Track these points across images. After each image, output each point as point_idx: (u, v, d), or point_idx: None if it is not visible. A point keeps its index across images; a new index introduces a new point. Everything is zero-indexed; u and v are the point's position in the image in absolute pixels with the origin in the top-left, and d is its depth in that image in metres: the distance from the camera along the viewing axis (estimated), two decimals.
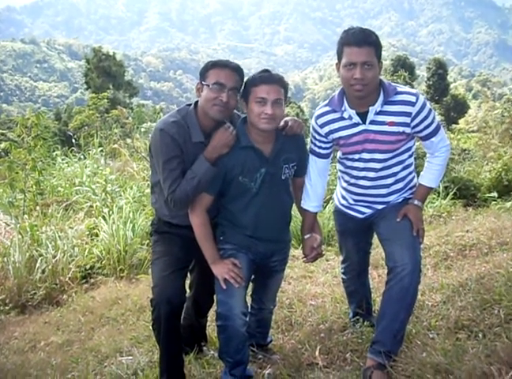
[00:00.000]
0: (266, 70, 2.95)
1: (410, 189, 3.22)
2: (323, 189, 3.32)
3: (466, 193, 9.87)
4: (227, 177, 2.99)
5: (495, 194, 9.35)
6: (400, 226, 3.05)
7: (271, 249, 3.17)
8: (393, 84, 3.06)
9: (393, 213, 3.11)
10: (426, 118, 2.98)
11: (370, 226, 3.31)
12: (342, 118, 3.06)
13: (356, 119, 3.01)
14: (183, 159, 2.97)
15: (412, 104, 2.94)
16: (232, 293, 2.94)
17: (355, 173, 3.19)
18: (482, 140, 15.58)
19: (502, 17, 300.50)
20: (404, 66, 33.47)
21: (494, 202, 8.83)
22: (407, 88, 3.09)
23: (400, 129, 2.97)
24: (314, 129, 3.18)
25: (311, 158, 3.23)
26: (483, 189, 10.11)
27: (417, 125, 2.99)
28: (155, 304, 3.02)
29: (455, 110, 38.74)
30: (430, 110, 3.00)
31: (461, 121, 35.82)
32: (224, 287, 2.94)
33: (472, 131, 23.45)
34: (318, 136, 3.17)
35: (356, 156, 3.12)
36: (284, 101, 2.92)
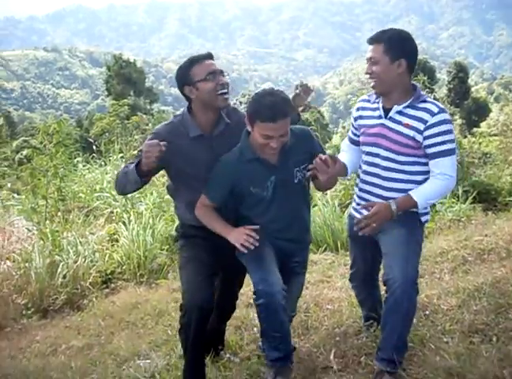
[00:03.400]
0: (271, 93, 2.85)
1: None
2: (357, 160, 3.35)
3: (486, 197, 9.70)
4: (235, 190, 3.04)
5: None
6: (396, 239, 3.02)
7: (291, 249, 3.20)
8: (425, 94, 3.13)
9: (391, 228, 3.05)
10: (439, 134, 2.94)
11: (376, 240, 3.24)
12: (371, 109, 3.18)
13: (380, 112, 3.10)
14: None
15: (432, 114, 2.94)
16: (270, 271, 2.93)
17: (364, 167, 3.25)
18: (503, 144, 15.43)
19: None
20: (424, 70, 33.19)
21: None
22: (436, 102, 3.07)
23: (412, 133, 2.98)
24: (352, 113, 3.38)
25: (348, 145, 3.44)
26: (504, 193, 9.96)
27: (428, 137, 2.95)
28: (186, 309, 3.01)
29: (476, 113, 38.40)
30: (448, 130, 2.96)
31: (483, 124, 35.48)
32: (245, 251, 2.94)
33: (494, 134, 23.18)
34: (352, 120, 3.35)
35: (368, 149, 3.19)
36: (289, 125, 2.91)
